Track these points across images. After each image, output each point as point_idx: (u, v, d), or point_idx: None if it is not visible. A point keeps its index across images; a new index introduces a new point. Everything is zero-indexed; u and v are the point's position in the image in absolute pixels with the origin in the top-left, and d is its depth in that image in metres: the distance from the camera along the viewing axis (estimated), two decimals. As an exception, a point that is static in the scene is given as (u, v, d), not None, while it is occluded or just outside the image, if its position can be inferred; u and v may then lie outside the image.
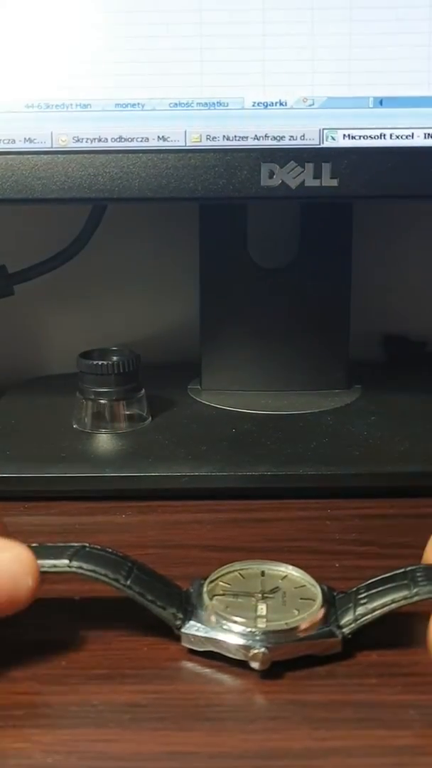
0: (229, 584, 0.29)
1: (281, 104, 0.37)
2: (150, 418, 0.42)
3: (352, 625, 0.27)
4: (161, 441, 0.40)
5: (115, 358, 0.42)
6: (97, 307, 0.53)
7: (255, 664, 0.26)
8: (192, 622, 0.27)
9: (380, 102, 0.37)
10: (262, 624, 0.27)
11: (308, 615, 0.27)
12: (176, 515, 0.37)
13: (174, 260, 0.52)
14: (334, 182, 0.37)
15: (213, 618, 0.27)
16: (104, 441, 0.41)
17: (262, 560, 0.30)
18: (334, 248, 0.45)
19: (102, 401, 0.41)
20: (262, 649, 0.26)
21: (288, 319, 0.46)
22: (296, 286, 0.45)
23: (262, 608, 0.27)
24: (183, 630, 0.27)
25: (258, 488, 0.38)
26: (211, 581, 0.29)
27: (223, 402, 0.45)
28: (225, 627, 0.27)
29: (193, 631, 0.27)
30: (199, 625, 0.27)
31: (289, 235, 0.45)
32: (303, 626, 0.27)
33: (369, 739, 0.24)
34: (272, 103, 0.38)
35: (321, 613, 0.27)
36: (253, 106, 0.37)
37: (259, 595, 0.28)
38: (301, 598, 0.28)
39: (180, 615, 0.27)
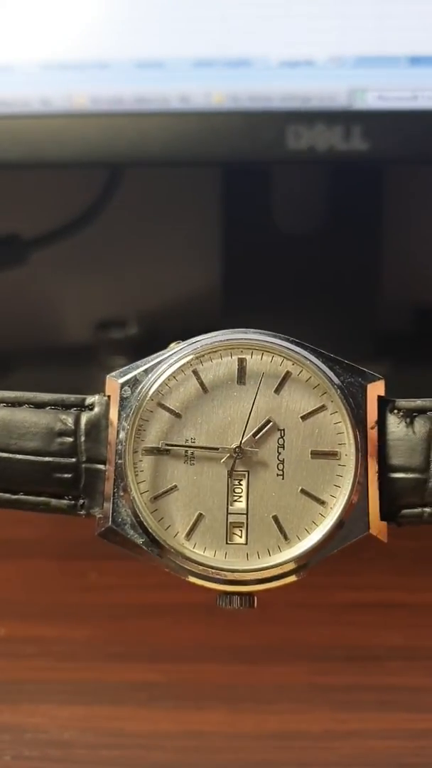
0: (177, 413, 0.18)
1: (309, 64, 0.37)
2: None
3: (416, 511, 0.17)
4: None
5: (132, 330, 0.42)
6: (114, 276, 0.54)
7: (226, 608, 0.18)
8: (111, 526, 0.18)
9: (413, 61, 0.37)
10: (239, 550, 0.17)
11: (327, 519, 0.17)
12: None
13: (195, 227, 0.52)
14: (365, 146, 0.37)
15: (147, 527, 0.18)
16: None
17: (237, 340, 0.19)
18: (364, 215, 0.45)
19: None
20: (238, 602, 0.18)
21: (314, 290, 0.46)
22: (323, 255, 0.45)
23: (240, 488, 0.17)
24: (97, 533, 0.19)
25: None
26: (140, 404, 0.18)
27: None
28: (168, 551, 0.18)
29: (112, 539, 0.19)
30: (120, 533, 0.18)
31: (317, 202, 0.45)
32: (314, 549, 0.18)
33: (390, 722, 0.24)
34: (299, 62, 0.37)
35: (351, 498, 0.17)
36: (280, 65, 0.37)
37: (236, 454, 0.17)
38: (315, 453, 0.18)
39: (82, 498, 0.19)
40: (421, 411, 0.19)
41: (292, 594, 0.30)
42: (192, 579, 0.18)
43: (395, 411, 0.19)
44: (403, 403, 0.20)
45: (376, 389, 0.20)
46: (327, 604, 0.29)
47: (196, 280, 0.53)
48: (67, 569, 0.31)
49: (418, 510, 0.18)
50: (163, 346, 0.43)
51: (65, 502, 0.18)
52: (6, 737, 0.24)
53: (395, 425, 0.19)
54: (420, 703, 0.25)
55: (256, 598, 0.18)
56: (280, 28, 0.37)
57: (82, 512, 0.18)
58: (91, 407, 0.20)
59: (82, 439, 0.19)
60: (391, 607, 0.28)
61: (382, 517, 0.18)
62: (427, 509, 0.18)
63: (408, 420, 0.19)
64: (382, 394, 0.20)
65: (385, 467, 0.18)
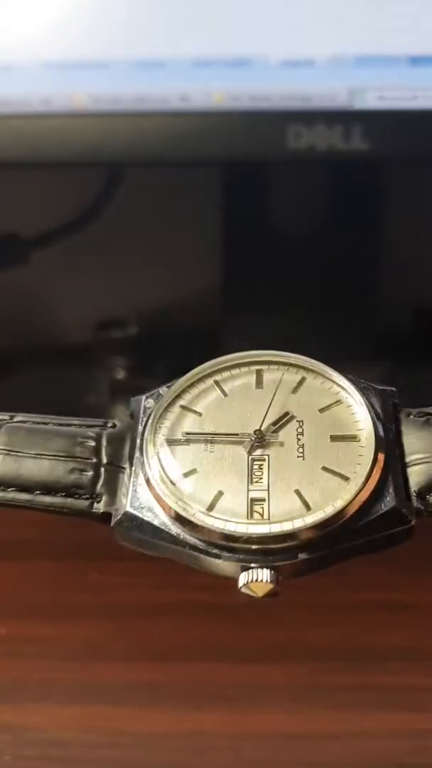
0: (198, 413, 0.19)
1: (309, 63, 0.37)
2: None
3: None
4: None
5: (132, 330, 0.42)
6: (114, 276, 0.54)
7: (250, 595, 0.17)
8: (128, 512, 0.17)
9: (414, 61, 0.37)
10: (261, 517, 0.17)
11: (350, 486, 0.17)
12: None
13: (195, 227, 0.52)
14: (365, 145, 0.37)
15: (167, 504, 0.17)
16: (121, 414, 0.42)
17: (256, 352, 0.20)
18: (364, 215, 0.45)
19: (119, 374, 0.42)
20: (263, 575, 0.16)
21: (313, 289, 0.46)
22: (323, 255, 0.46)
23: (260, 470, 0.17)
24: (114, 523, 0.18)
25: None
26: (164, 410, 0.19)
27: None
28: (189, 523, 0.17)
29: (128, 526, 0.18)
30: (138, 516, 0.17)
31: (317, 202, 0.45)
32: (336, 516, 0.17)
33: (391, 722, 0.24)
34: (299, 61, 0.37)
35: (373, 473, 0.17)
36: (280, 65, 0.37)
37: (255, 440, 0.18)
38: (334, 438, 0.18)
39: (99, 491, 0.18)
40: None
41: (292, 594, 0.30)
42: (208, 563, 0.17)
43: (409, 415, 0.19)
44: (416, 410, 0.20)
45: (390, 396, 0.20)
46: (327, 604, 0.29)
47: (196, 279, 0.53)
48: (67, 569, 0.31)
49: None
50: (163, 346, 0.43)
51: (83, 501, 0.18)
52: (6, 737, 0.24)
53: (410, 423, 0.19)
54: (421, 703, 0.25)
55: (280, 577, 0.17)
56: (281, 27, 0.37)
57: (99, 508, 0.18)
58: (113, 426, 0.20)
59: (104, 444, 0.19)
60: (391, 607, 0.28)
61: (408, 498, 0.18)
62: None
63: (422, 420, 0.19)
64: (396, 401, 0.20)
65: (404, 455, 0.18)
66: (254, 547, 0.16)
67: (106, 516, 0.18)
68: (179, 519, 0.17)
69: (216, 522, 0.17)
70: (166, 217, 0.53)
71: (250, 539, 0.16)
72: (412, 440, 0.18)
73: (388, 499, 0.17)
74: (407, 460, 0.18)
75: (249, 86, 0.38)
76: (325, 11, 0.37)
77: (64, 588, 0.30)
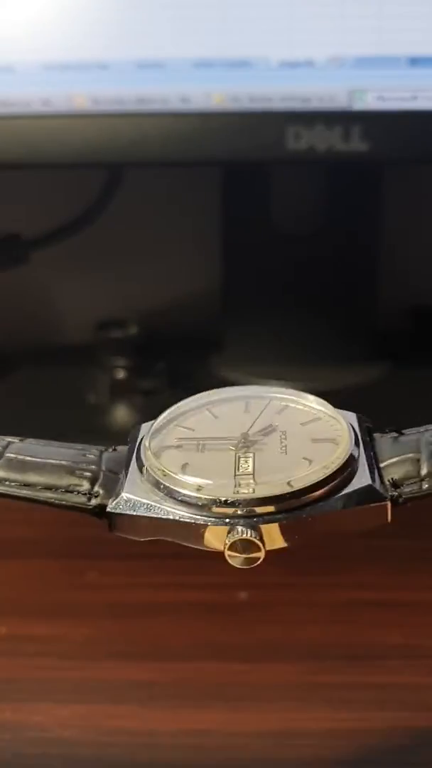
0: (191, 429, 0.20)
1: (308, 64, 0.38)
2: (168, 391, 0.43)
3: (415, 485, 0.18)
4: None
5: (133, 330, 0.42)
6: (113, 277, 0.54)
7: (235, 558, 0.17)
8: (123, 496, 0.18)
9: (413, 62, 0.37)
10: (246, 488, 0.18)
11: (328, 463, 0.18)
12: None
13: (195, 227, 0.52)
14: (364, 146, 0.37)
15: (160, 483, 0.18)
16: (121, 415, 0.42)
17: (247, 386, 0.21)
18: (363, 216, 0.45)
19: (119, 374, 0.42)
20: (248, 532, 0.17)
21: (313, 290, 0.46)
22: (322, 256, 0.46)
23: (246, 463, 0.18)
24: (109, 508, 0.18)
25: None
26: (159, 429, 0.20)
27: (244, 375, 0.45)
28: (180, 496, 0.18)
29: (122, 508, 0.18)
30: (133, 497, 0.18)
31: (316, 202, 0.45)
32: (317, 484, 0.18)
33: (391, 721, 0.24)
34: (299, 62, 0.38)
35: (352, 458, 0.18)
36: (279, 66, 0.37)
37: (242, 442, 0.19)
38: (315, 440, 0.19)
39: (97, 489, 0.19)
40: (407, 434, 0.20)
41: (291, 593, 0.30)
42: (197, 533, 0.18)
43: (381, 435, 0.20)
44: (387, 429, 0.21)
45: (363, 421, 0.21)
46: (326, 602, 0.29)
47: (195, 279, 0.53)
48: (67, 569, 0.31)
49: (416, 484, 0.18)
50: (163, 346, 0.43)
51: (81, 497, 0.19)
52: (7, 736, 0.24)
53: (383, 440, 0.20)
54: (420, 701, 0.25)
55: (264, 540, 0.18)
56: (280, 28, 0.37)
57: (95, 501, 0.19)
58: (115, 449, 0.21)
59: (104, 460, 0.20)
60: (390, 605, 0.28)
61: (382, 483, 0.18)
62: (425, 483, 0.18)
63: (393, 437, 0.20)
64: (370, 425, 0.21)
65: (378, 460, 0.19)
66: (240, 511, 0.17)
67: (102, 508, 0.19)
68: (170, 494, 0.18)
69: (205, 494, 0.18)
70: (166, 217, 0.53)
71: (235, 503, 0.17)
72: (385, 449, 0.19)
73: (363, 479, 0.18)
74: (381, 465, 0.19)
75: (249, 87, 0.38)
76: (325, 12, 0.37)
77: (64, 588, 0.30)
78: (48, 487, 0.19)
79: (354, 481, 0.18)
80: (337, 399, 0.43)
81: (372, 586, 0.30)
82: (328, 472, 0.18)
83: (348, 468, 0.18)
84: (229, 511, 0.17)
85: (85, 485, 0.19)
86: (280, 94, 0.38)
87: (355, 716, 0.25)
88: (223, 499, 0.17)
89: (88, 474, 0.19)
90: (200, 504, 0.18)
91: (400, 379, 0.45)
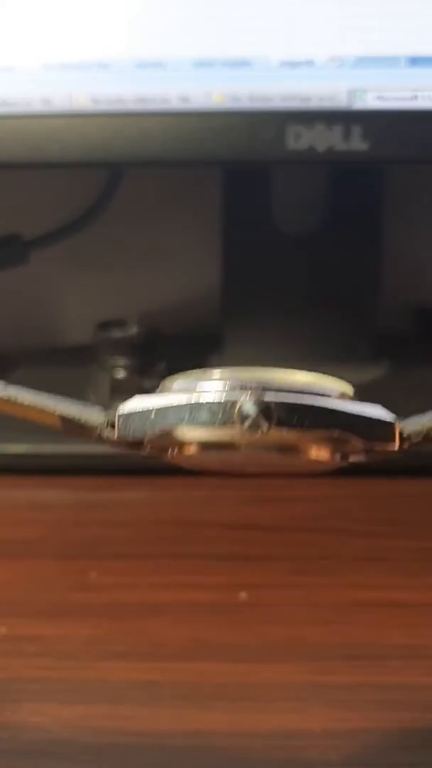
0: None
1: (309, 64, 0.37)
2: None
3: (419, 426, 0.20)
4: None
5: (133, 330, 0.42)
6: (114, 277, 0.54)
7: (243, 426, 0.18)
8: (131, 402, 0.19)
9: (413, 62, 0.37)
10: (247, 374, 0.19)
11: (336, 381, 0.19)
12: (195, 492, 0.37)
13: (195, 227, 0.52)
14: (365, 146, 0.37)
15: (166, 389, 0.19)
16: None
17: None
18: (364, 216, 0.45)
19: (119, 374, 0.42)
20: (251, 404, 0.18)
21: (314, 290, 0.46)
22: (323, 255, 0.46)
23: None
24: (118, 412, 0.19)
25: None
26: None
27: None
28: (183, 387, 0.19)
29: (132, 407, 0.19)
30: (138, 402, 0.19)
31: (317, 202, 0.45)
32: (326, 387, 0.19)
33: (391, 721, 0.24)
34: (299, 62, 0.37)
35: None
36: (280, 65, 0.37)
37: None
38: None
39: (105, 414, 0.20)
40: None
41: (292, 593, 0.30)
42: (204, 411, 0.18)
43: None
44: None
45: None
46: (327, 603, 0.29)
47: (196, 279, 0.53)
48: (67, 569, 0.31)
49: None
50: (163, 346, 0.43)
51: (96, 415, 0.20)
52: (6, 736, 0.24)
53: None
54: (422, 702, 0.25)
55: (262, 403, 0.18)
56: (280, 28, 0.37)
57: (108, 419, 0.20)
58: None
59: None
60: (392, 605, 0.28)
61: None
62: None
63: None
64: None
65: None
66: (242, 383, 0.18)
67: (111, 422, 0.19)
68: (180, 388, 0.19)
69: (210, 381, 0.19)
70: (166, 217, 0.53)
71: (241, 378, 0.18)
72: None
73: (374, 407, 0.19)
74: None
75: (249, 86, 0.38)
76: (325, 11, 0.37)
77: (64, 588, 0.30)
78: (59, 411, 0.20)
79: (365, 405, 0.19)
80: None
81: (373, 587, 0.30)
82: (346, 387, 0.19)
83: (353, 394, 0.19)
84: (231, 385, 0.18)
85: (98, 414, 0.20)
86: (280, 94, 0.37)
87: (356, 716, 0.24)
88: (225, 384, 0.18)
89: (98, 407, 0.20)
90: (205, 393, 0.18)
91: (400, 379, 0.45)
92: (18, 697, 0.25)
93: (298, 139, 0.37)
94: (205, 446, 0.19)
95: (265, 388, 0.18)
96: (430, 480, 0.37)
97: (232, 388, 0.18)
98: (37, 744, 0.24)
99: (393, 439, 0.19)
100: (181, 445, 0.19)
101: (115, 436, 0.19)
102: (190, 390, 0.19)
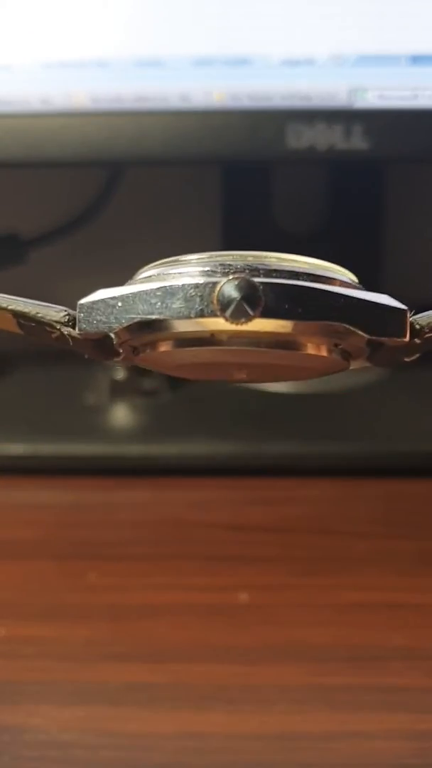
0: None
1: (309, 62, 0.37)
2: (169, 392, 0.43)
3: None
4: (180, 416, 0.41)
5: (132, 329, 0.42)
6: (113, 276, 0.54)
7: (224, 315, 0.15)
8: (96, 293, 0.17)
9: (414, 60, 0.37)
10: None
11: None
12: (196, 493, 0.37)
13: (195, 226, 0.52)
14: (365, 145, 0.37)
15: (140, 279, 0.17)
16: (120, 416, 0.41)
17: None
18: (364, 215, 0.45)
19: (119, 374, 0.42)
20: (234, 288, 0.15)
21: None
22: (325, 255, 0.45)
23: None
24: (80, 302, 0.17)
25: (281, 466, 0.38)
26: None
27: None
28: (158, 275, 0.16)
29: (96, 297, 0.17)
30: (103, 292, 0.17)
31: (317, 201, 0.45)
32: (328, 272, 0.17)
33: (391, 723, 0.24)
34: (299, 61, 0.37)
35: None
36: (280, 64, 0.37)
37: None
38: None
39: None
40: None
41: (292, 594, 0.30)
42: (188, 294, 0.16)
43: None
44: None
45: None
46: (328, 604, 0.29)
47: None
48: (67, 569, 0.31)
49: None
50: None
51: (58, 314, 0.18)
52: (5, 738, 0.24)
53: None
54: (422, 703, 0.25)
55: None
56: (281, 26, 0.37)
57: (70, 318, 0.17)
58: None
59: None
60: (392, 607, 0.28)
61: None
62: None
63: None
64: None
65: None
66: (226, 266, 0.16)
67: (72, 319, 0.17)
68: (151, 275, 0.17)
69: (187, 266, 0.16)
70: (166, 216, 0.53)
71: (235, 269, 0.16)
72: None
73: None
74: None
75: (249, 85, 0.37)
76: (325, 10, 0.37)
77: (64, 588, 0.30)
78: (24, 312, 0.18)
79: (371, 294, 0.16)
80: (337, 399, 0.44)
81: (374, 588, 0.30)
82: (352, 276, 0.16)
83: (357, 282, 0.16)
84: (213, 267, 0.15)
85: (57, 310, 0.18)
86: (280, 93, 0.37)
87: (356, 718, 0.24)
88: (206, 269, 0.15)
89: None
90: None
91: (400, 379, 0.45)
92: (17, 699, 0.25)
93: (299, 138, 0.37)
94: (181, 342, 0.16)
95: (252, 269, 0.15)
96: (430, 480, 0.37)
97: (213, 271, 0.15)
98: (36, 746, 0.24)
99: (404, 331, 0.16)
100: (153, 342, 0.16)
101: (77, 330, 0.17)
102: (164, 277, 0.16)
